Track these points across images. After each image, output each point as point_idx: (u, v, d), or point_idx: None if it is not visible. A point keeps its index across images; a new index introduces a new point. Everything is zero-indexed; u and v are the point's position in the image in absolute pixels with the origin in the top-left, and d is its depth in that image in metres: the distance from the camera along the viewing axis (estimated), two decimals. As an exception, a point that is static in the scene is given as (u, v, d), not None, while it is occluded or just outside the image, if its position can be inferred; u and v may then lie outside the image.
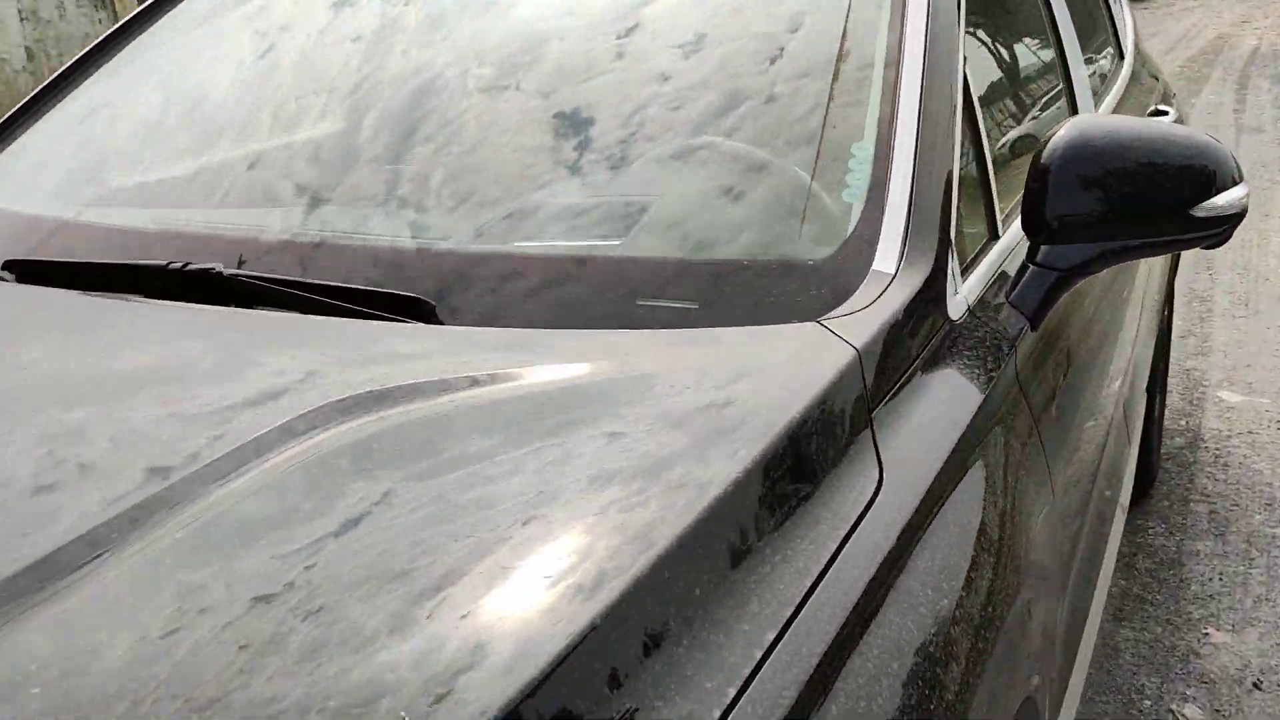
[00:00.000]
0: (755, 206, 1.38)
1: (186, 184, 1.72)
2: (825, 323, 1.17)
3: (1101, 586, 2.04)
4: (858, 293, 1.22)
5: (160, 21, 2.04)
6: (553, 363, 1.10)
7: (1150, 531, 3.27)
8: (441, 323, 1.29)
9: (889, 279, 1.24)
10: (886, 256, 1.27)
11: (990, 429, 1.23)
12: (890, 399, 1.14)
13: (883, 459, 1.06)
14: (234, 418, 1.01)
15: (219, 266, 1.39)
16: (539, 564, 0.79)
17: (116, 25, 2.04)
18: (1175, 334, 4.44)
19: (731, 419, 0.98)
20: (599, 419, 0.99)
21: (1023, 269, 1.45)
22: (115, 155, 1.84)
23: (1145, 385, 2.85)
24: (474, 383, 1.05)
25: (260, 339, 1.22)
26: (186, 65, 1.94)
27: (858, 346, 1.11)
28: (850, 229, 1.31)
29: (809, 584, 0.89)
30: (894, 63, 1.48)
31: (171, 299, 1.39)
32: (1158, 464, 3.56)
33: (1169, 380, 3.95)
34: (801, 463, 0.98)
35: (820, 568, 0.91)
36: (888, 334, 1.16)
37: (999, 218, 1.58)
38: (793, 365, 1.08)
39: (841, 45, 1.53)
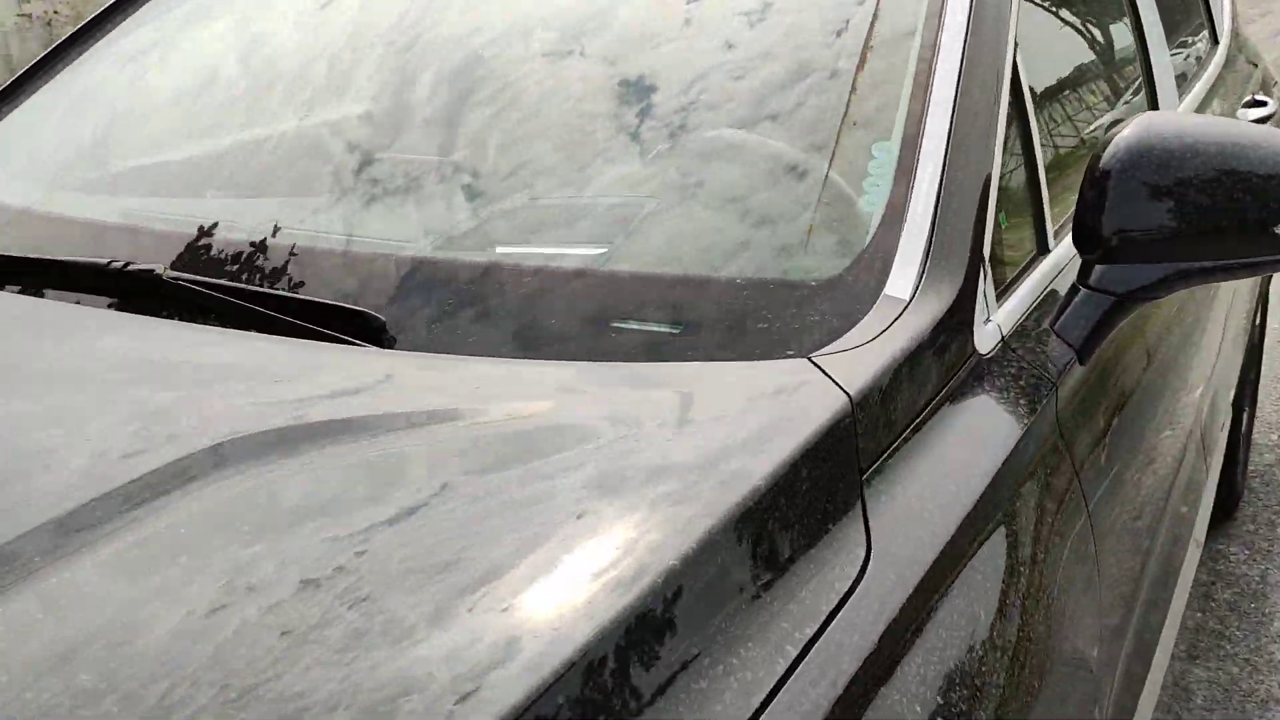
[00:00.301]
0: (758, 215, 1.19)
1: (157, 174, 1.59)
2: (818, 359, 0.98)
3: (1172, 621, 1.83)
4: (863, 322, 1.03)
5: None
6: (473, 404, 0.93)
7: (1231, 558, 3.01)
8: (393, 341, 1.14)
9: (902, 305, 1.05)
10: (902, 278, 1.07)
11: (1018, 489, 1.03)
12: (890, 456, 0.95)
13: (872, 535, 0.87)
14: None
15: (159, 268, 1.25)
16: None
17: (105, 7, 1.91)
18: (1271, 340, 4.13)
19: (674, 490, 0.80)
20: (487, 477, 0.83)
21: (1072, 291, 1.24)
22: (94, 142, 1.71)
23: (1230, 400, 2.60)
24: (353, 431, 0.89)
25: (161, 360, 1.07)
26: (169, 49, 1.80)
27: (851, 392, 0.92)
28: (864, 244, 1.12)
29: (758, 703, 0.71)
30: (930, 45, 1.28)
31: (112, 300, 1.26)
32: (1243, 483, 3.29)
33: (1261, 391, 3.66)
34: (760, 547, 0.79)
35: (774, 681, 0.73)
36: (893, 374, 0.97)
37: (1050, 230, 1.36)
38: (766, 416, 0.89)
39: (872, 25, 1.33)
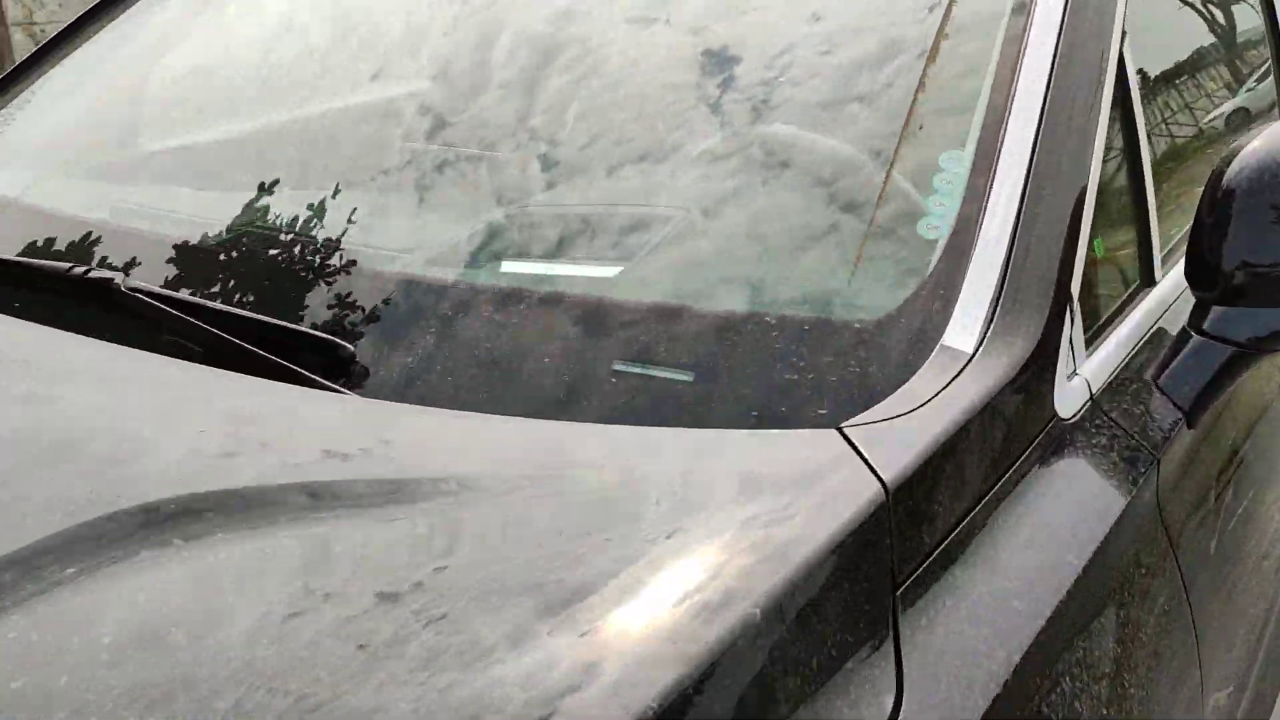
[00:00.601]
0: (796, 236, 0.99)
1: (146, 166, 1.45)
2: (850, 430, 0.78)
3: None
4: (912, 381, 0.82)
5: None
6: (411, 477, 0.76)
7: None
8: (366, 374, 0.97)
9: (963, 360, 0.84)
10: (965, 323, 0.87)
11: (1104, 603, 0.82)
12: (936, 562, 0.74)
13: (905, 675, 0.67)
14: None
15: (118, 278, 1.10)
16: None
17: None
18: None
19: (654, 615, 0.62)
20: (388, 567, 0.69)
21: (1182, 337, 1.02)
22: (85, 134, 1.58)
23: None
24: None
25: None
26: (159, 41, 1.66)
27: (887, 478, 0.72)
28: (922, 279, 0.91)
29: None
30: (1019, 32, 1.06)
31: (67, 307, 1.12)
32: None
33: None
34: (750, 696, 0.60)
35: None
36: (943, 455, 0.77)
37: (1157, 259, 1.14)
38: (771, 513, 0.69)
39: (949, 8, 1.12)
